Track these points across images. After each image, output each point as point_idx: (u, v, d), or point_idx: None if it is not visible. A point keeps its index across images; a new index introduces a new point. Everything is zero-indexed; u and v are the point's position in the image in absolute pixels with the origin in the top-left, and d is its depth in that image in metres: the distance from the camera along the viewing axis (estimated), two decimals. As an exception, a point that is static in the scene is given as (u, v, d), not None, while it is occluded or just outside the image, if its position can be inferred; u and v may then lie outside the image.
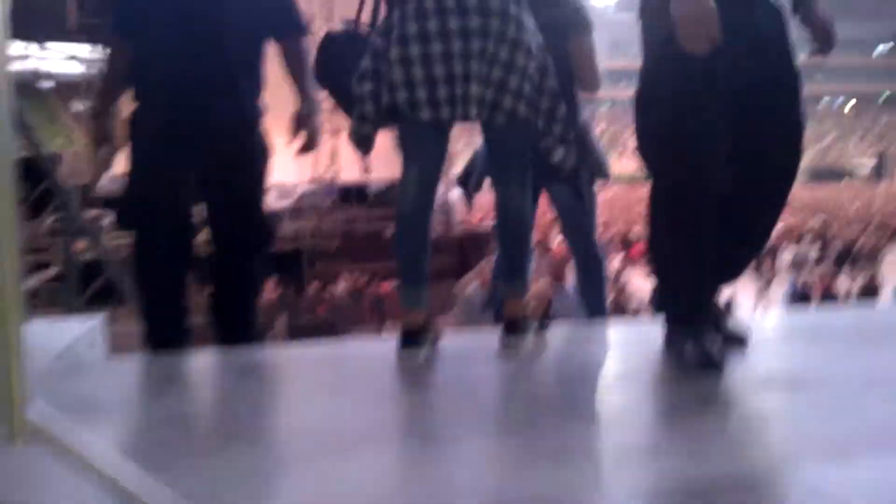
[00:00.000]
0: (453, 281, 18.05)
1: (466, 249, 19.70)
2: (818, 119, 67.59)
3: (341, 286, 15.47)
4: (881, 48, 74.93)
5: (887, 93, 72.43)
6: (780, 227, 22.37)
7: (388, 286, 17.70)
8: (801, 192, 40.41)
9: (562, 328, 2.97)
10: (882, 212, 30.37)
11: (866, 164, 52.33)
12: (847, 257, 20.98)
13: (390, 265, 18.55)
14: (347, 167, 20.27)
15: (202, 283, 3.15)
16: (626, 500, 1.34)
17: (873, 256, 21.64)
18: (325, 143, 19.65)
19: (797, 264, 21.00)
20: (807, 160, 57.51)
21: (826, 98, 71.64)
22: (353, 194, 21.06)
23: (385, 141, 2.54)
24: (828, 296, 15.40)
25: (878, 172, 49.51)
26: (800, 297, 16.14)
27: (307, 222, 18.18)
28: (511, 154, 2.41)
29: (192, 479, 1.40)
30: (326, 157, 19.56)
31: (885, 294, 15.86)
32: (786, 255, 22.44)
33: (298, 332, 10.13)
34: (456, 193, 21.11)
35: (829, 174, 51.96)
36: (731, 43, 1.85)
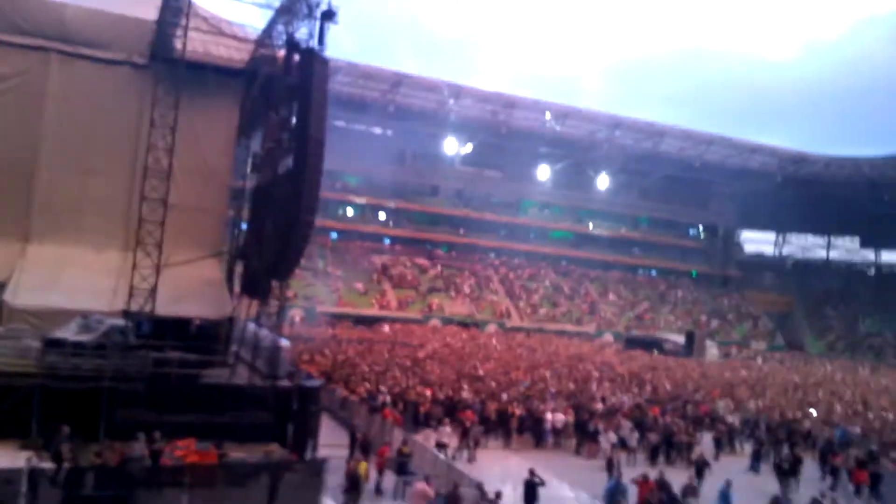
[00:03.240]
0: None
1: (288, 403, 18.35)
2: (633, 288, 73.02)
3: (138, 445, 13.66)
4: (692, 231, 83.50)
5: (695, 272, 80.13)
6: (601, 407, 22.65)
7: (192, 446, 15.91)
8: (618, 361, 42.46)
9: None
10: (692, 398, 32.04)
11: (677, 339, 56.36)
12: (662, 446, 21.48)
13: (197, 418, 16.75)
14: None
15: None
16: None
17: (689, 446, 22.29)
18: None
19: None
20: (621, 325, 61.36)
21: (641, 269, 77.98)
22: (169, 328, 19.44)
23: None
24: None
25: (689, 348, 53.33)
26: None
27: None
28: None
29: None
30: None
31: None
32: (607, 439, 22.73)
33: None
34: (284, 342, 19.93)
35: (642, 343, 55.36)
36: None
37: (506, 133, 67.50)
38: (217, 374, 18.85)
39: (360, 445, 18.41)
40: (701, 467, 20.05)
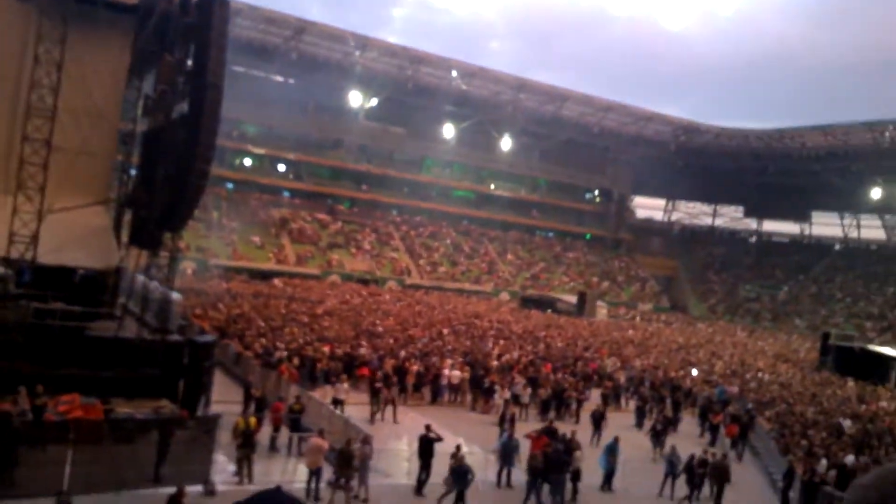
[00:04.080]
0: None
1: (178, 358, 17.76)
2: (530, 249, 74.75)
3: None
4: (588, 195, 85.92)
5: (589, 235, 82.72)
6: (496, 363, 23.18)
7: (77, 401, 15.20)
8: (514, 319, 43.56)
9: None
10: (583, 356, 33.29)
11: (570, 299, 58.22)
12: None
13: (81, 371, 15.99)
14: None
15: None
16: None
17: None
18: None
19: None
20: (518, 283, 62.78)
21: (538, 231, 79.82)
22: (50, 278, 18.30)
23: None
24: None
25: (581, 308, 55.23)
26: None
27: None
28: None
29: None
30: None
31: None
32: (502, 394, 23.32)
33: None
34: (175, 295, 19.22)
35: (537, 302, 56.96)
36: None
37: (412, 89, 66.86)
38: (103, 326, 18.03)
39: (255, 402, 18.16)
40: (598, 420, 21.07)
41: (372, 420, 20.37)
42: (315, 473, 14.61)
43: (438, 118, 72.24)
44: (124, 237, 22.21)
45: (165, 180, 17.89)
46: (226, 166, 60.48)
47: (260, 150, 66.04)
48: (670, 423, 22.76)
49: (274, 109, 62.64)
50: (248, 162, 66.29)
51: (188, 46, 18.60)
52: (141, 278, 19.91)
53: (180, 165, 17.12)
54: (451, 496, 14.53)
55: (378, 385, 21.15)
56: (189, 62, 18.41)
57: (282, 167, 68.20)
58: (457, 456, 14.93)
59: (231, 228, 56.67)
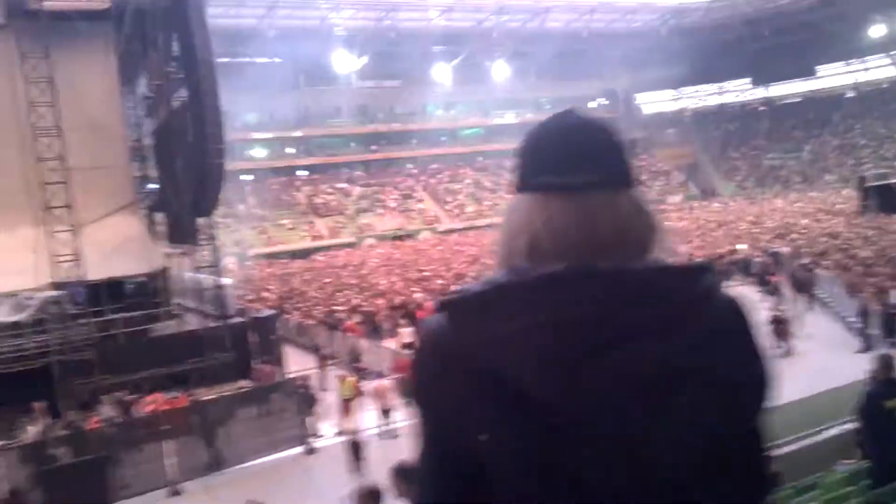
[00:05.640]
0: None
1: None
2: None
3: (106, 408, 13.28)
4: (593, 103, 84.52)
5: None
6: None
7: (160, 399, 15.57)
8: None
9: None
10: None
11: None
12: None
13: (157, 372, 16.36)
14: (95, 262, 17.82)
15: None
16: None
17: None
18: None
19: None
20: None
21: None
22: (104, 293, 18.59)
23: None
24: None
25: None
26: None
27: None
28: None
29: None
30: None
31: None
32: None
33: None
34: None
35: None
36: None
37: (395, 38, 65.77)
38: (165, 326, 18.40)
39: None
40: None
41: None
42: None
43: (429, 61, 71.18)
44: (162, 241, 22.54)
45: (186, 168, 17.96)
46: (237, 159, 60.31)
47: (265, 136, 65.93)
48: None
49: (267, 92, 62.03)
50: (257, 150, 66.28)
51: (171, 35, 18.46)
52: (189, 275, 20.19)
53: (196, 148, 17.17)
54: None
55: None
56: (176, 49, 18.28)
57: (290, 147, 68.07)
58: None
59: (260, 217, 57.09)
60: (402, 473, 5.38)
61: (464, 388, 1.07)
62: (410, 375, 1.20)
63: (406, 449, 11.11)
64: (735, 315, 1.11)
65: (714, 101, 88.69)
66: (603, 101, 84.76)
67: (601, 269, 1.09)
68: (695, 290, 1.09)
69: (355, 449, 12.82)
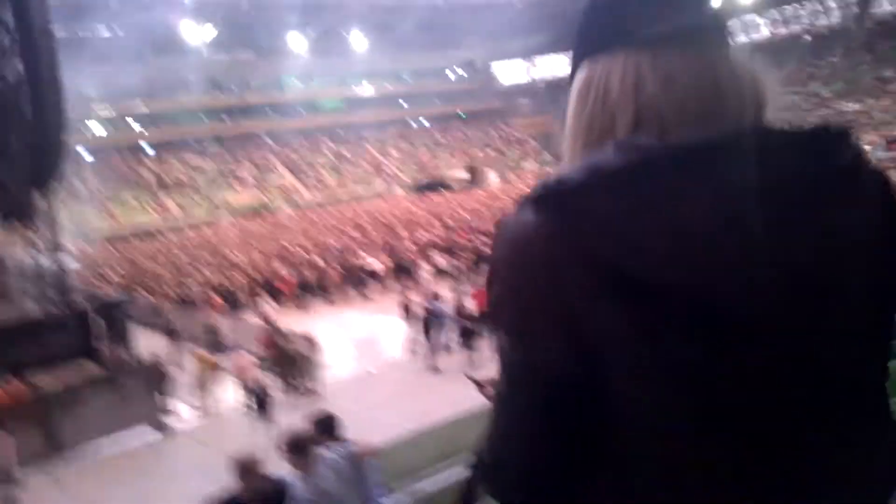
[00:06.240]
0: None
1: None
2: (410, 140, 74.57)
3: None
4: (453, 75, 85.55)
5: (465, 115, 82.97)
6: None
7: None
8: (414, 206, 43.91)
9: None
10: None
11: (462, 176, 58.98)
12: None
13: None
14: None
15: None
16: None
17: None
18: None
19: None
20: (408, 176, 62.76)
21: (413, 121, 79.48)
22: None
23: None
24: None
25: (474, 181, 56.17)
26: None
27: None
28: None
29: None
30: None
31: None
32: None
33: None
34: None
35: (430, 187, 57.54)
36: None
37: (248, 8, 63.37)
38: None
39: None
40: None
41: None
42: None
43: (284, 32, 69.16)
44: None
45: (23, 143, 16.55)
46: (79, 136, 56.37)
47: (109, 112, 61.79)
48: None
49: (112, 67, 57.99)
50: (100, 127, 62.03)
51: (3, 2, 16.86)
52: (25, 257, 18.77)
53: (36, 121, 15.91)
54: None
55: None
56: (8, 17, 16.73)
57: (136, 123, 64.25)
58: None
59: (104, 196, 53.64)
60: (295, 445, 5.04)
61: (593, 294, 0.83)
62: (496, 295, 0.92)
63: (278, 424, 11.12)
64: (886, 185, 0.94)
65: (566, 71, 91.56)
66: (460, 71, 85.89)
67: (760, 130, 0.89)
68: (852, 154, 0.91)
69: (260, 401, 12.80)
